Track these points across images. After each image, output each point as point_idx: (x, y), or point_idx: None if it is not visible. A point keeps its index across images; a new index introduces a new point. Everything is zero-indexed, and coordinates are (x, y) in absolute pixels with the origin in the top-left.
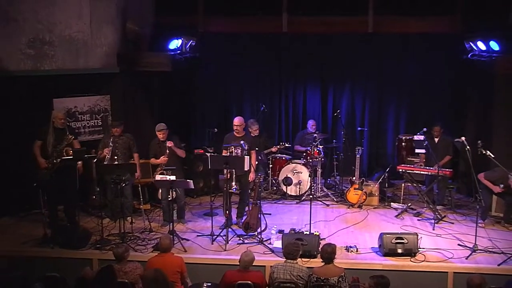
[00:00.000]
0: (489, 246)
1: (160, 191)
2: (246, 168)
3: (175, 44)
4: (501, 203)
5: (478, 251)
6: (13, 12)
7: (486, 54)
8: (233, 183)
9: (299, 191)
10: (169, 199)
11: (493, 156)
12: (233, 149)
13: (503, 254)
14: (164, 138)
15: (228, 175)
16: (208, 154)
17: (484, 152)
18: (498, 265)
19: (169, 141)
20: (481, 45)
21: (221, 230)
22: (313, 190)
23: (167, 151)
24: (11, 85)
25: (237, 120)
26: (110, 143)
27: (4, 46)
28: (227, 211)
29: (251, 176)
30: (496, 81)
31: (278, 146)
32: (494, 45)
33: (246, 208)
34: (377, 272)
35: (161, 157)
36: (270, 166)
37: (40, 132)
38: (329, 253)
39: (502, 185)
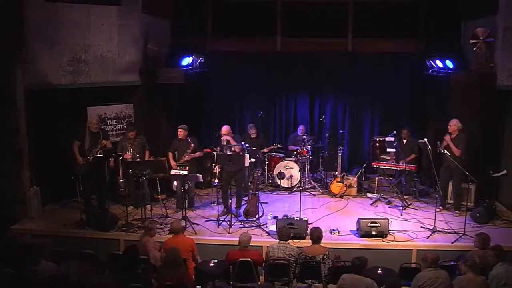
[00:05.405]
0: (445, 227)
1: (175, 183)
2: (246, 164)
3: (187, 61)
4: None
5: (437, 232)
6: (57, 37)
7: (443, 70)
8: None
9: (291, 183)
10: (182, 190)
11: (449, 154)
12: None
13: (455, 234)
14: (183, 137)
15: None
16: (215, 153)
17: (442, 151)
18: (452, 243)
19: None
20: (439, 63)
21: (221, 221)
22: (302, 183)
23: (191, 145)
24: (54, 96)
25: (224, 130)
26: (129, 148)
27: (49, 64)
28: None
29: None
30: (451, 92)
31: (272, 146)
32: (449, 63)
33: (246, 198)
34: (355, 251)
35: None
36: (267, 163)
37: (78, 134)
38: (317, 235)
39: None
